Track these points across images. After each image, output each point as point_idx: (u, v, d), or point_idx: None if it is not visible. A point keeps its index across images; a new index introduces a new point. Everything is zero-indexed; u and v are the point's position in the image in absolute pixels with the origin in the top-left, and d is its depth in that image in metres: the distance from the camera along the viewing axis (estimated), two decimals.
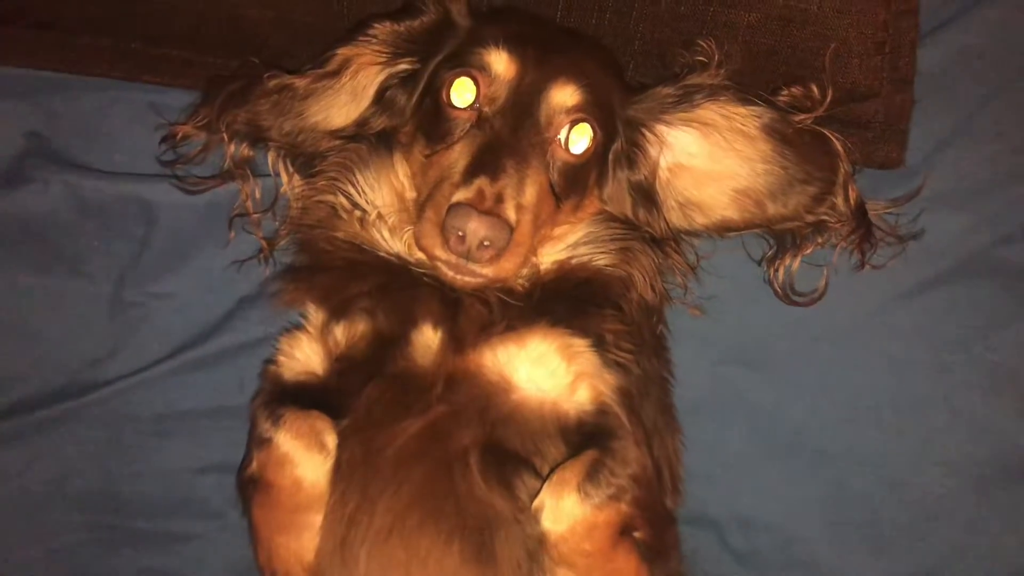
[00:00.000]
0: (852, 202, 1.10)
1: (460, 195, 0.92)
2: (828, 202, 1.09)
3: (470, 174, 0.94)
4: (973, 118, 1.22)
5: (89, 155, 1.25)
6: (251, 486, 1.00)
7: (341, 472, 0.96)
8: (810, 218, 1.10)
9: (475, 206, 0.91)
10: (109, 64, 1.24)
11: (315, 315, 1.06)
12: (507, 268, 0.95)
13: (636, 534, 0.96)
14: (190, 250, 1.25)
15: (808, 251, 1.15)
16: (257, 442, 0.99)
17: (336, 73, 1.10)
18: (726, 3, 1.11)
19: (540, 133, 0.99)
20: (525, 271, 1.01)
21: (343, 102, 1.11)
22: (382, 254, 1.04)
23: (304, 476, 0.96)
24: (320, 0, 1.16)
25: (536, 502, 0.93)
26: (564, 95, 0.99)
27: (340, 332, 1.03)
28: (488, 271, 0.94)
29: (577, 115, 1.00)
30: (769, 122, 1.06)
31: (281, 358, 1.07)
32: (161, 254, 1.25)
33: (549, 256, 1.04)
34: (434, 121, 1.02)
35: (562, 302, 1.01)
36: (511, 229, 0.92)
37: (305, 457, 0.95)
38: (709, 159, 1.08)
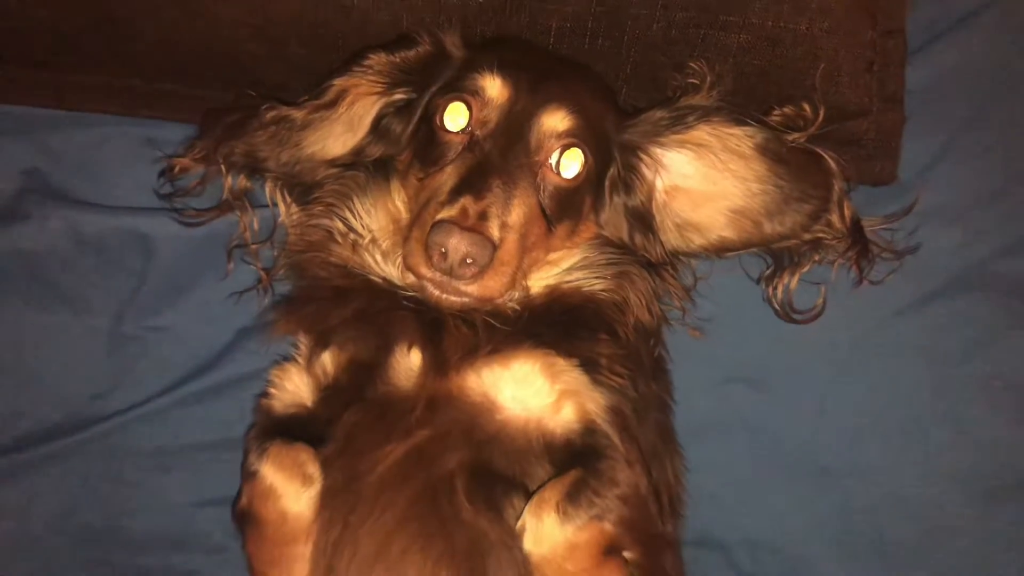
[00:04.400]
0: (847, 219, 1.10)
1: (444, 213, 0.93)
2: (824, 220, 1.10)
3: (456, 193, 0.94)
4: (962, 135, 1.24)
5: (87, 190, 1.27)
6: (243, 520, 1.00)
7: (324, 500, 0.96)
8: (807, 236, 1.11)
9: (458, 223, 0.91)
10: (106, 100, 1.25)
11: (304, 345, 1.06)
12: (491, 287, 0.94)
13: (626, 554, 0.95)
14: (188, 283, 1.25)
15: (806, 269, 1.15)
16: (246, 475, 1.00)
17: (333, 103, 1.10)
18: (716, 25, 1.12)
19: (530, 156, 0.99)
20: (516, 295, 1.01)
21: (339, 132, 1.12)
22: (372, 278, 1.03)
23: (289, 508, 0.96)
24: (313, 33, 1.16)
25: (519, 524, 0.92)
26: (555, 120, 1.00)
27: (328, 360, 1.02)
28: (472, 289, 0.94)
29: (568, 140, 1.00)
30: (762, 142, 1.07)
31: (272, 390, 1.06)
32: (159, 287, 1.25)
33: (541, 281, 1.04)
34: (428, 146, 1.03)
35: (551, 326, 1.00)
36: (494, 246, 0.92)
37: (289, 489, 0.96)
38: (705, 180, 1.09)
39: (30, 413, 1.23)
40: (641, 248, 1.09)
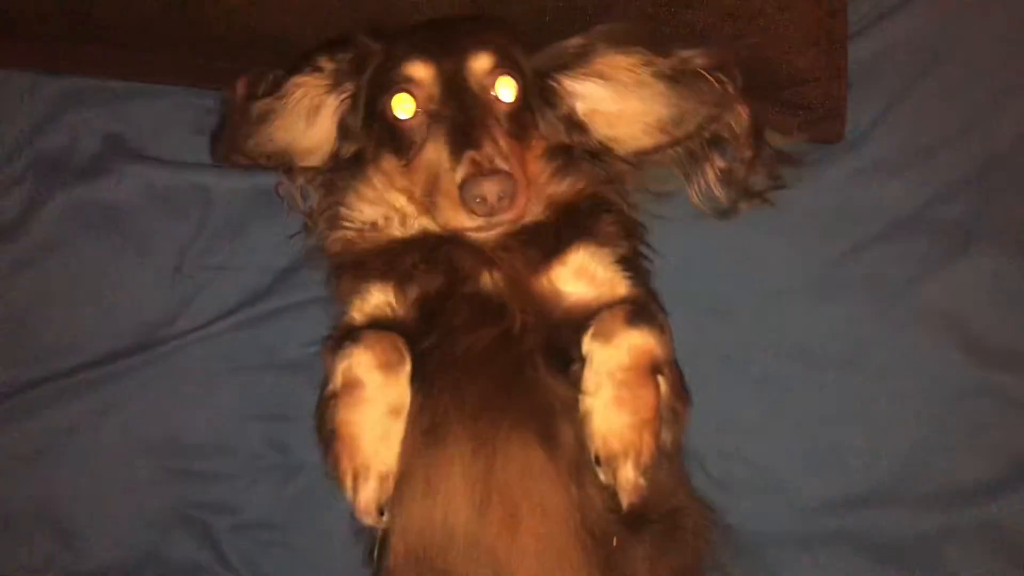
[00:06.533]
0: (744, 117, 1.21)
1: (462, 173, 1.08)
2: (723, 120, 1.21)
3: (457, 156, 1.07)
4: (898, 102, 1.40)
5: (158, 150, 1.42)
6: (333, 399, 1.06)
7: (432, 369, 1.08)
8: (707, 134, 1.22)
9: (480, 173, 1.07)
10: (175, 75, 1.41)
11: (380, 288, 1.15)
12: (522, 204, 1.08)
13: (660, 379, 1.07)
14: (240, 229, 1.40)
15: (719, 163, 1.25)
16: (340, 358, 1.07)
17: (283, 97, 1.21)
18: (682, 4, 1.29)
19: (478, 97, 1.12)
20: (534, 208, 1.14)
21: (302, 127, 1.23)
22: (413, 235, 1.16)
23: (386, 380, 1.06)
24: (351, 17, 1.32)
25: (584, 349, 1.07)
26: (480, 62, 1.13)
27: (411, 292, 1.14)
28: (509, 216, 1.10)
29: (497, 71, 1.13)
30: (659, 68, 1.19)
31: (354, 313, 1.16)
32: (215, 233, 1.40)
33: (539, 202, 1.18)
34: (393, 137, 1.14)
35: (568, 226, 1.15)
36: (511, 175, 1.08)
37: (382, 360, 1.06)
38: (616, 102, 1.21)
39: (103, 338, 1.41)
40: (579, 144, 1.21)
